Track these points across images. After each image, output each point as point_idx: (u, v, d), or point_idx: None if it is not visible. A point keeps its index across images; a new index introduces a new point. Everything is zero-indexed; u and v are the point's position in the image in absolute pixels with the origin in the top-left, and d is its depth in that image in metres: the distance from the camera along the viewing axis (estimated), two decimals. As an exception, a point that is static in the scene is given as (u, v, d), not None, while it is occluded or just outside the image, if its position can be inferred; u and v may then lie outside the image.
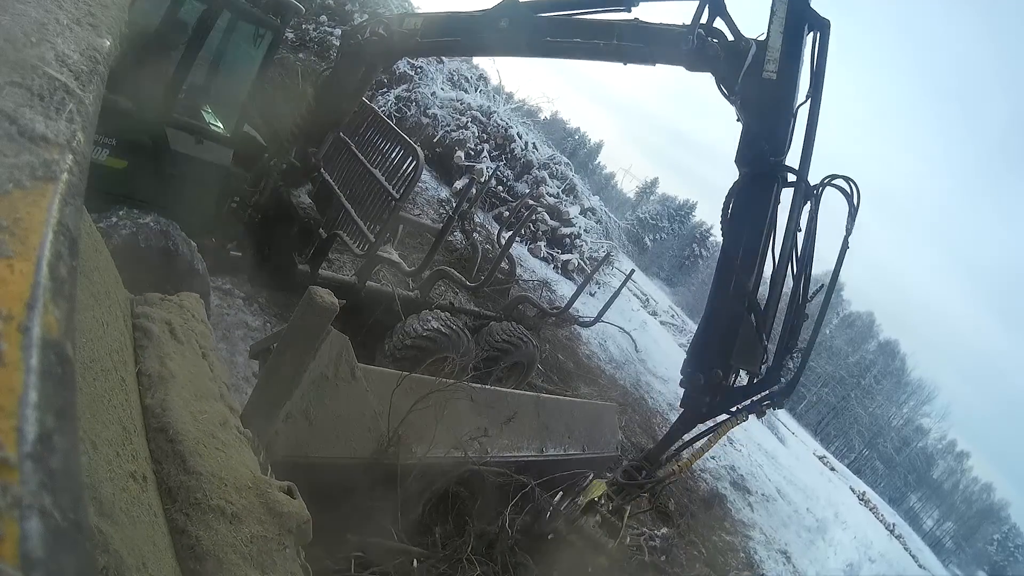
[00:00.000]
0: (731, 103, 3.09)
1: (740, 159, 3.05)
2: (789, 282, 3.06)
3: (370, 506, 3.04)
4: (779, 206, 3.00)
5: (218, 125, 4.24)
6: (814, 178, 3.01)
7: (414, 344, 4.71)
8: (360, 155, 5.05)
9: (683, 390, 3.09)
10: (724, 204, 3.11)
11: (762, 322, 2.95)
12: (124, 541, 0.73)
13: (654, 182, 69.27)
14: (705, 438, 3.13)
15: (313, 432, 2.79)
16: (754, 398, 3.02)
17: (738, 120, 3.10)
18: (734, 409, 3.03)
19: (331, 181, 5.14)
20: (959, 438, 62.56)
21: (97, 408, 0.80)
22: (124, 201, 3.54)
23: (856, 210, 2.94)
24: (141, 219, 3.48)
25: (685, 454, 3.26)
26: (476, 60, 16.45)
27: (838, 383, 56.40)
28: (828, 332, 57.40)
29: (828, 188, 2.98)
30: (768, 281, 3.11)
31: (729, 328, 2.96)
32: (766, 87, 2.95)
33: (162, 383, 1.17)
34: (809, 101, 2.94)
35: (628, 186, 70.70)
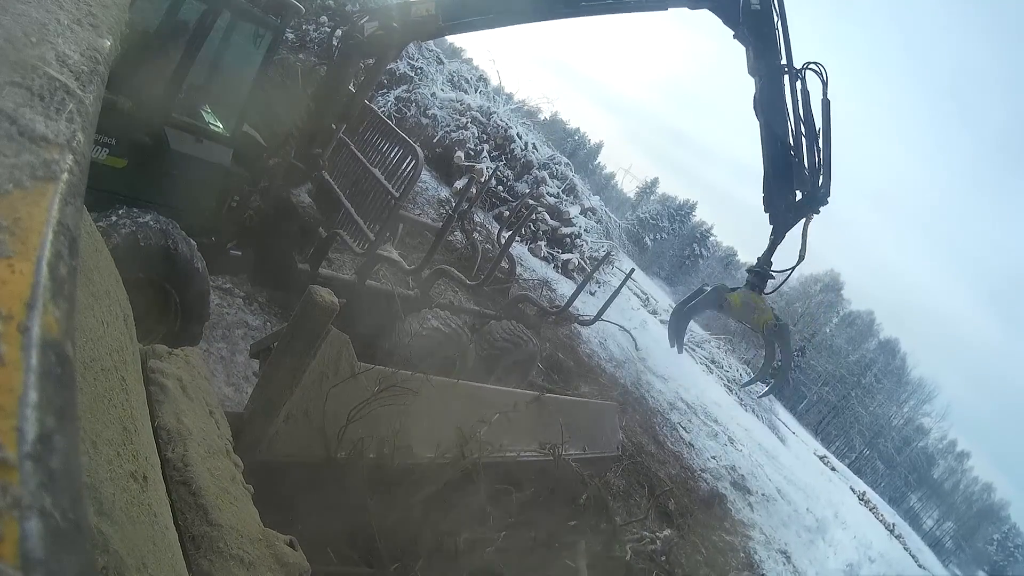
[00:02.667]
0: (732, 28, 4.57)
1: (754, 69, 4.62)
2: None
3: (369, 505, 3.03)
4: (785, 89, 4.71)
5: (218, 125, 4.24)
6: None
7: (414, 343, 4.71)
8: (360, 155, 5.05)
9: (770, 214, 4.80)
10: (754, 102, 4.73)
11: (803, 158, 4.71)
12: (124, 541, 0.73)
13: (654, 182, 69.34)
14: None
15: (313, 432, 2.79)
16: (811, 200, 4.76)
17: (735, 38, 4.60)
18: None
19: (331, 180, 5.13)
20: (959, 438, 62.66)
21: (97, 408, 0.80)
22: (124, 200, 3.55)
23: (826, 82, 4.57)
24: (141, 218, 3.48)
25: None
26: (476, 61, 16.44)
27: (838, 382, 56.41)
28: (828, 331, 57.49)
29: (807, 72, 4.66)
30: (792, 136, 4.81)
31: (787, 168, 4.72)
32: (756, 14, 4.49)
33: (180, 439, 1.31)
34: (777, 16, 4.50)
35: (628, 186, 70.86)
